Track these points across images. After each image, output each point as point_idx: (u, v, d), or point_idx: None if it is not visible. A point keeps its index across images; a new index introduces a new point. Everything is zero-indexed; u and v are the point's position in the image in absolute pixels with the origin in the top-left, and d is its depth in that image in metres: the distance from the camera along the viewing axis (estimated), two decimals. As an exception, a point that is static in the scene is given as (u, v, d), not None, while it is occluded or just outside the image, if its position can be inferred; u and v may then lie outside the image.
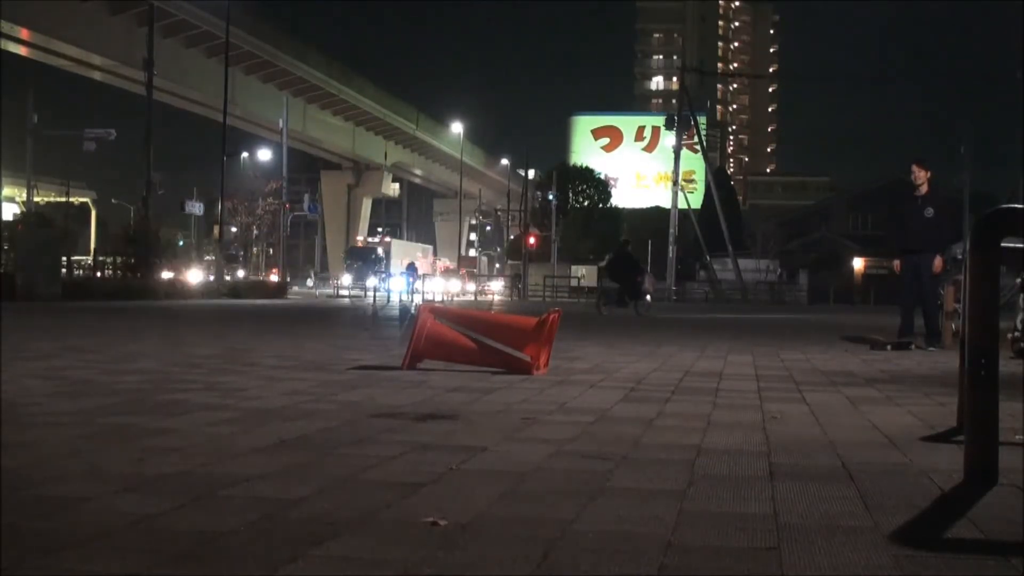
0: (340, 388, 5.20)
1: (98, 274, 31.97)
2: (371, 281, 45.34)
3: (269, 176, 64.02)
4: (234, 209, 64.00)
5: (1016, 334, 8.87)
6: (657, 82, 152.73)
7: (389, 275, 49.31)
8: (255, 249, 76.71)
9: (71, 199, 59.42)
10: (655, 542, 2.15)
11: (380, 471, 2.91)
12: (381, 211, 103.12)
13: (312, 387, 5.25)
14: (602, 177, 76.34)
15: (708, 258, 59.06)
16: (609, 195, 75.06)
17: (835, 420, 4.31)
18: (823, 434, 3.87)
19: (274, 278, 48.41)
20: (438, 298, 36.29)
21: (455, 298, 40.51)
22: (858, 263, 63.83)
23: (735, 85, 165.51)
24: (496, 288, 53.86)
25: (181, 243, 58.88)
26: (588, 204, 73.08)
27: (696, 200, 66.39)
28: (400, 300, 32.59)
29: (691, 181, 75.39)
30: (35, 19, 41.47)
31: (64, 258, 27.51)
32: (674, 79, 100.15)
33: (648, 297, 23.65)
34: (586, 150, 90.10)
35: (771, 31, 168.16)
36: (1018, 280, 9.26)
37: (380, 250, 69.98)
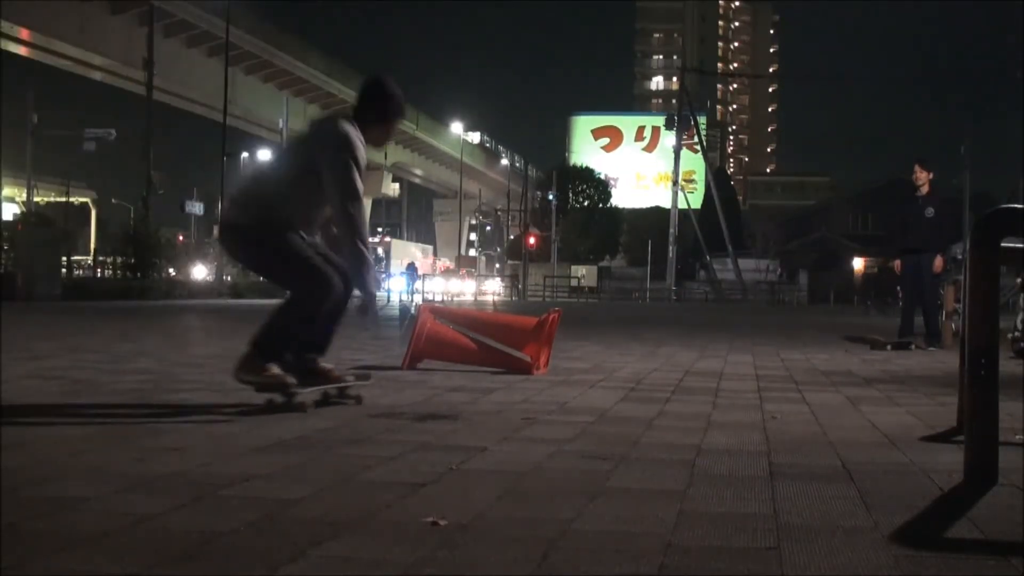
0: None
1: (98, 274, 31.99)
2: None
3: (269, 176, 63.90)
4: (234, 209, 63.84)
5: (1016, 334, 8.87)
6: (657, 82, 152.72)
7: (389, 275, 49.26)
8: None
9: (71, 199, 59.39)
10: (655, 542, 2.15)
11: (380, 471, 2.91)
12: (381, 211, 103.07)
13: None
14: (602, 177, 76.35)
15: (708, 258, 59.10)
16: (609, 195, 75.08)
17: (835, 420, 4.31)
18: (823, 434, 3.87)
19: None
20: (438, 298, 36.28)
21: (454, 298, 40.51)
22: (858, 263, 63.82)
23: (735, 85, 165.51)
24: (492, 288, 53.72)
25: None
26: (588, 204, 73.09)
27: (696, 200, 66.42)
28: (400, 300, 32.57)
29: (691, 181, 75.40)
30: (35, 19, 41.47)
31: (64, 258, 27.50)
32: (674, 79, 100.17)
33: None
34: (586, 150, 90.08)
35: (771, 31, 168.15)
36: (1018, 280, 9.26)
37: (380, 250, 69.93)
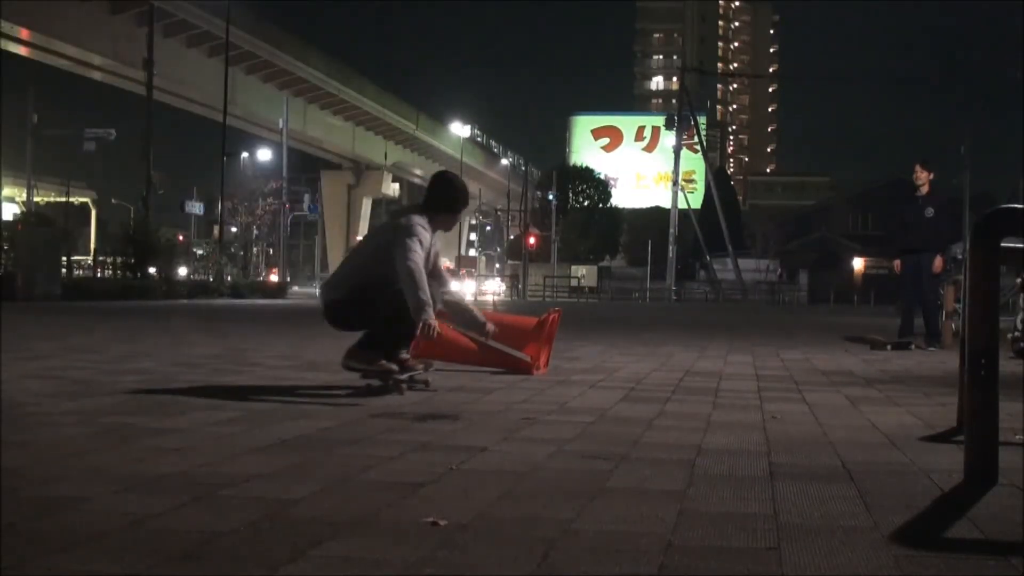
0: (340, 388, 5.20)
1: (98, 274, 31.97)
2: None
3: (269, 176, 64.05)
4: (234, 209, 64.00)
5: (1016, 334, 8.88)
6: (657, 82, 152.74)
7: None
8: (255, 249, 76.73)
9: (71, 199, 59.38)
10: (655, 542, 2.15)
11: (380, 471, 2.91)
12: (381, 211, 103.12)
13: (312, 387, 5.25)
14: (602, 177, 76.35)
15: (708, 258, 59.13)
16: (609, 195, 75.08)
17: (835, 420, 4.31)
18: (823, 434, 3.87)
19: (274, 278, 48.46)
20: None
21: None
22: (858, 263, 63.83)
23: (735, 85, 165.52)
24: (492, 288, 53.66)
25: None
26: (588, 204, 73.10)
27: (696, 200, 66.45)
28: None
29: (691, 181, 75.42)
30: (35, 19, 41.43)
31: (64, 258, 27.48)
32: (674, 79, 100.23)
33: None
34: (586, 150, 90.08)
35: (771, 31, 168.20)
36: (1018, 280, 9.26)
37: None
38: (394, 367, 4.99)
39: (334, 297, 5.19)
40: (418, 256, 4.90)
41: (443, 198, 5.21)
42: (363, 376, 5.01)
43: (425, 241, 5.00)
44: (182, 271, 32.21)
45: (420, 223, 5.05)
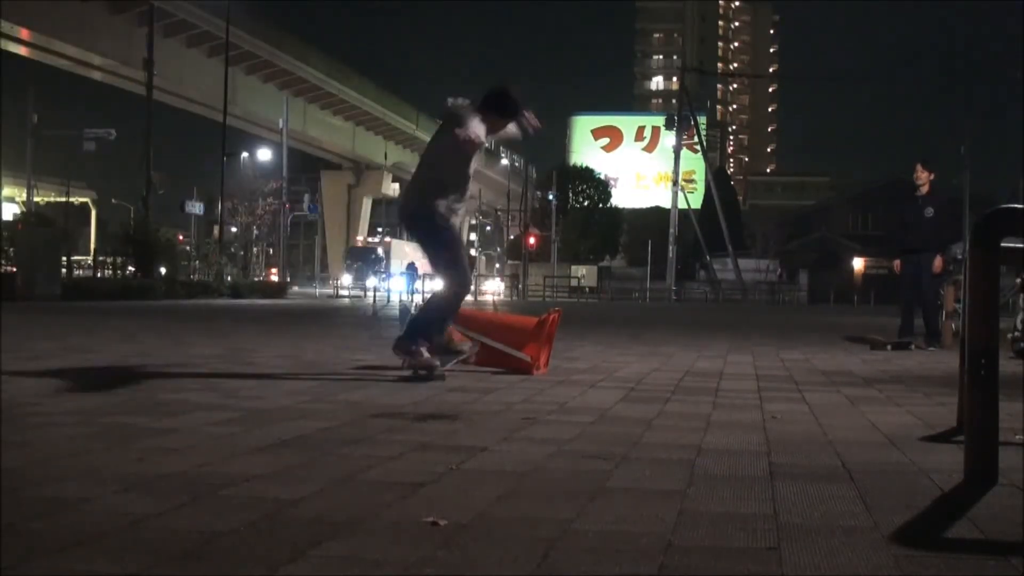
0: (340, 388, 5.20)
1: (98, 274, 31.97)
2: (371, 281, 45.25)
3: (269, 176, 64.07)
4: (234, 209, 63.97)
5: (1016, 334, 8.88)
6: (657, 82, 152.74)
7: (389, 275, 49.20)
8: (255, 249, 76.68)
9: (71, 199, 59.35)
10: (655, 542, 2.15)
11: (380, 471, 2.91)
12: (381, 211, 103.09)
13: (312, 387, 5.25)
14: (602, 177, 76.36)
15: (708, 258, 59.14)
16: (609, 195, 75.08)
17: (835, 420, 4.31)
18: (823, 434, 3.87)
19: (274, 278, 48.47)
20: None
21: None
22: (858, 263, 63.81)
23: (735, 85, 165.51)
24: (492, 288, 53.61)
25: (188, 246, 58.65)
26: (588, 204, 73.10)
27: (696, 200, 66.47)
28: (400, 300, 32.51)
29: (691, 181, 75.44)
30: (35, 19, 41.46)
31: (64, 258, 27.47)
32: (674, 79, 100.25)
33: None
34: (586, 150, 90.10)
35: (771, 31, 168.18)
36: (1018, 280, 9.26)
37: (380, 250, 69.85)
38: (436, 363, 5.58)
39: (406, 203, 5.99)
40: (479, 126, 5.45)
41: (497, 101, 5.70)
42: (410, 366, 5.64)
43: (471, 123, 5.46)
44: (162, 269, 32.18)
45: (469, 109, 5.66)
